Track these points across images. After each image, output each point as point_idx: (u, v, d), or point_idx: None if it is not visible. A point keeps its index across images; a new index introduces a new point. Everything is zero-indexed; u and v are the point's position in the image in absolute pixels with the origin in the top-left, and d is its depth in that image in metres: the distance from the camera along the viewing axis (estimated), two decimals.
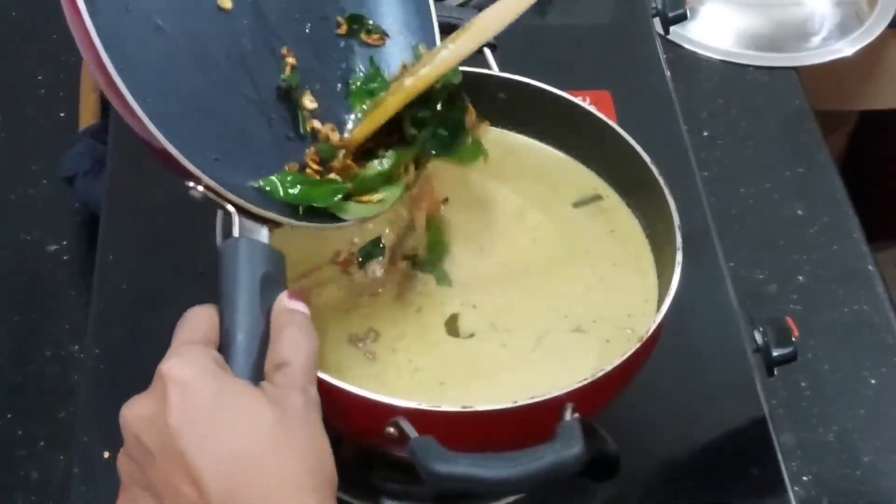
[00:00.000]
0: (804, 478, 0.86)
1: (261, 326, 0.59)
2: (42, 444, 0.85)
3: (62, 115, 1.10)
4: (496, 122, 0.82)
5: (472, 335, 0.71)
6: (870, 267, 1.02)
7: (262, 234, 0.63)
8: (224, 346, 0.59)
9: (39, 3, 1.19)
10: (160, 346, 0.83)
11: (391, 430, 0.62)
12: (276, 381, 0.57)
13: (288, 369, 0.57)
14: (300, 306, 0.61)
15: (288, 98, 0.70)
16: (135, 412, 0.56)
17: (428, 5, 0.76)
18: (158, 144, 0.60)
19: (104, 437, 0.78)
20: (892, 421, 0.91)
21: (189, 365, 0.56)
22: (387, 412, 0.61)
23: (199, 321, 0.59)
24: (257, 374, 0.58)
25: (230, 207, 0.62)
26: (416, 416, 0.61)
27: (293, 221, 0.66)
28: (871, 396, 0.92)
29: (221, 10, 0.68)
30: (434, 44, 0.75)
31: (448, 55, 0.68)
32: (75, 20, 0.58)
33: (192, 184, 0.62)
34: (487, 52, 0.81)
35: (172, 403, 0.54)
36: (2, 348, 0.91)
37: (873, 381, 0.93)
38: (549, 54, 1.07)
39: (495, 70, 0.80)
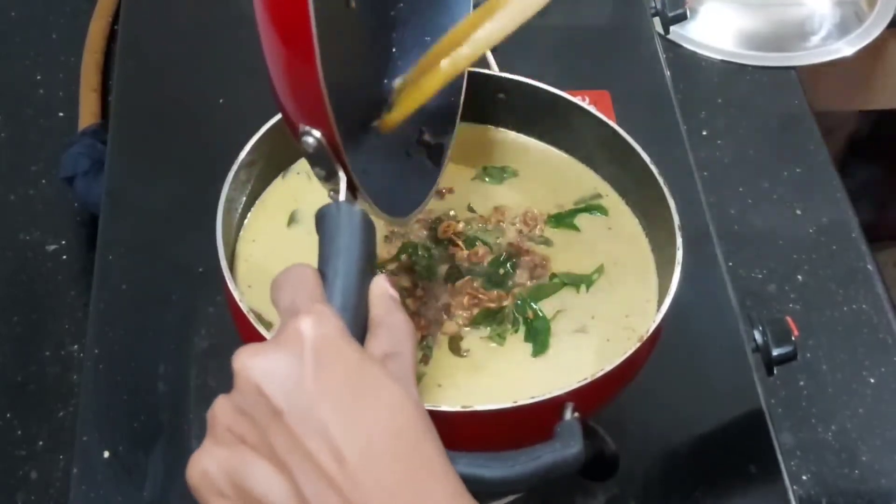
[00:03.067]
0: (803, 477, 0.86)
1: (361, 304, 0.55)
2: (42, 444, 0.85)
3: (62, 115, 1.10)
4: (496, 122, 0.82)
5: (468, 350, 0.71)
6: (869, 267, 1.02)
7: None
8: None
9: (39, 3, 1.19)
10: (160, 346, 0.84)
11: None
12: (391, 368, 0.53)
13: (400, 359, 0.54)
14: (397, 294, 0.57)
15: None
16: (262, 365, 0.49)
17: None
18: (316, 80, 0.53)
19: (104, 437, 0.78)
20: (891, 420, 0.91)
21: (332, 328, 0.50)
22: None
23: (313, 280, 0.54)
24: None
25: (341, 172, 0.57)
26: None
27: (383, 214, 0.62)
28: (871, 396, 0.93)
29: None
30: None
31: (486, 35, 0.64)
32: None
33: (308, 128, 0.56)
34: (487, 51, 0.81)
35: (314, 365, 0.49)
36: (2, 348, 0.91)
37: (872, 381, 0.93)
38: (549, 54, 1.07)
39: (495, 70, 0.80)
